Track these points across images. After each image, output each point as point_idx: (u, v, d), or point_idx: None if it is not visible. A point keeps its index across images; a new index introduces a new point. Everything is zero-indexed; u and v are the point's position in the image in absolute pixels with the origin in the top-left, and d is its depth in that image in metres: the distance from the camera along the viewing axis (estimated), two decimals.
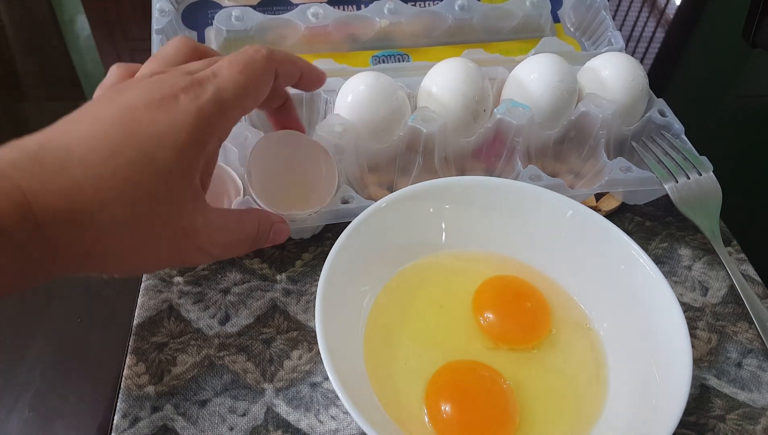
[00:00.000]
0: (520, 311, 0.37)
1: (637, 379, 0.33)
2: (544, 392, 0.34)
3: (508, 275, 0.39)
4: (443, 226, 0.40)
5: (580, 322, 0.37)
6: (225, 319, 0.39)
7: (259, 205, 0.40)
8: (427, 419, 0.32)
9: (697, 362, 0.38)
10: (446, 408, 0.31)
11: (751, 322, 0.40)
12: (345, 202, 0.41)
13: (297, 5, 0.53)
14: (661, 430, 0.28)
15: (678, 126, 0.48)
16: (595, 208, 0.47)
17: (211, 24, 0.52)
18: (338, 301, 0.33)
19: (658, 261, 0.44)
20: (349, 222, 0.36)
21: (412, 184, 0.45)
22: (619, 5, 0.75)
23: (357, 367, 0.33)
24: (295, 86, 0.36)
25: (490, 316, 0.36)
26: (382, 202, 0.37)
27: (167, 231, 0.27)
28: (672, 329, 0.32)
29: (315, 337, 0.38)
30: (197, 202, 0.28)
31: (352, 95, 0.44)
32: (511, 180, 0.39)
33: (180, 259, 0.29)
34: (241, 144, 0.42)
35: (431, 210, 0.39)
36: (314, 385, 0.36)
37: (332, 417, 0.35)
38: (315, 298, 0.34)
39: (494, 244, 0.40)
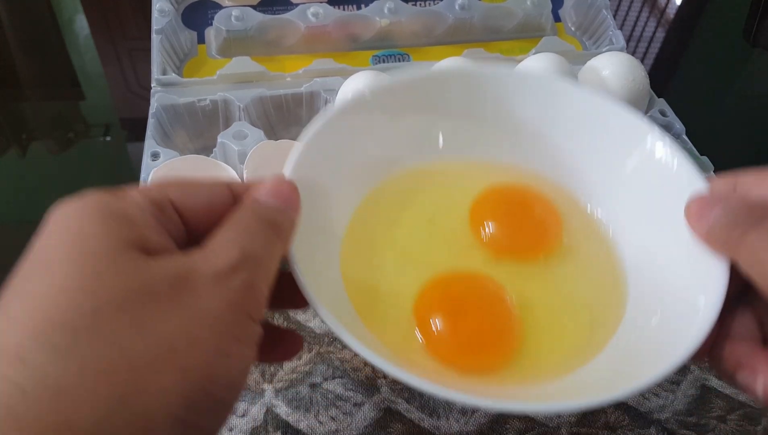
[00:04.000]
0: (526, 219, 0.32)
1: (661, 290, 0.28)
2: (553, 306, 0.29)
3: (511, 182, 0.33)
4: (438, 127, 0.33)
5: (596, 229, 0.32)
6: None
7: None
8: (418, 334, 0.28)
9: (697, 363, 0.38)
10: (437, 321, 0.28)
11: None
12: None
13: (297, 5, 0.53)
14: (687, 341, 0.23)
15: (679, 126, 0.48)
16: None
17: (211, 24, 0.52)
18: (309, 204, 0.26)
19: None
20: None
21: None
22: (619, 5, 0.75)
23: (334, 281, 0.28)
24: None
25: (491, 225, 0.31)
26: (367, 92, 0.31)
27: (155, 300, 0.19)
28: (709, 262, 0.26)
29: (315, 337, 0.38)
30: (167, 254, 0.20)
31: (352, 95, 0.43)
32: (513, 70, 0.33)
33: (218, 302, 0.20)
34: (241, 143, 0.42)
35: (423, 107, 0.33)
36: (314, 386, 0.36)
37: (332, 418, 0.35)
38: None
39: (497, 150, 0.34)
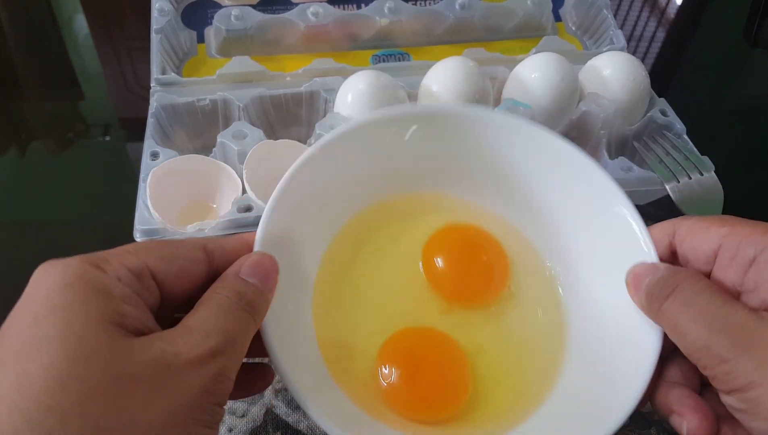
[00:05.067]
0: (474, 266, 0.32)
1: (600, 344, 0.29)
2: (499, 356, 0.30)
3: (460, 223, 0.34)
4: (392, 165, 0.33)
5: (546, 277, 0.33)
6: None
7: (258, 204, 0.40)
8: (382, 382, 0.29)
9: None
10: (395, 377, 0.29)
11: None
12: None
13: (297, 4, 0.53)
14: (616, 413, 0.25)
15: (679, 126, 0.47)
16: None
17: (211, 23, 0.52)
18: (283, 254, 0.27)
19: None
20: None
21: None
22: (620, 5, 0.75)
23: (306, 340, 0.29)
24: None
25: (442, 274, 0.32)
26: (315, 147, 0.31)
27: (134, 385, 0.19)
28: (641, 329, 0.27)
29: None
30: (144, 337, 0.21)
31: (352, 94, 0.43)
32: (467, 106, 0.34)
33: (188, 387, 0.20)
34: (241, 142, 0.42)
35: (379, 146, 0.33)
36: None
37: None
38: None
39: (447, 185, 0.34)
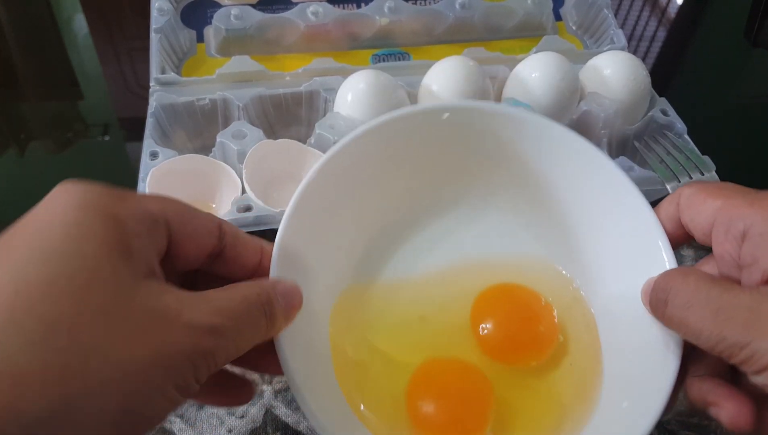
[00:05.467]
0: (525, 328, 0.32)
1: (632, 379, 0.29)
2: (533, 408, 0.31)
3: (513, 284, 0.33)
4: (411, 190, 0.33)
5: (588, 326, 0.32)
6: None
7: (258, 204, 0.40)
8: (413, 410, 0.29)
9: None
10: (428, 407, 0.29)
11: None
12: None
13: (296, 4, 0.53)
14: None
15: (680, 125, 0.47)
16: None
17: (210, 23, 0.52)
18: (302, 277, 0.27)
19: None
20: None
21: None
22: (620, 4, 0.75)
23: (323, 367, 0.29)
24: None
25: (488, 332, 0.31)
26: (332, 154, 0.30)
27: (123, 318, 0.19)
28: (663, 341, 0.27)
29: None
30: (152, 282, 0.21)
31: (352, 94, 0.43)
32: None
33: (176, 346, 0.20)
34: (240, 142, 0.42)
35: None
36: None
37: None
38: None
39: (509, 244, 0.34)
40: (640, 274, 0.28)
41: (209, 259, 0.25)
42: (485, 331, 0.31)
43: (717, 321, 0.23)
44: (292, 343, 0.26)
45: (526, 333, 0.32)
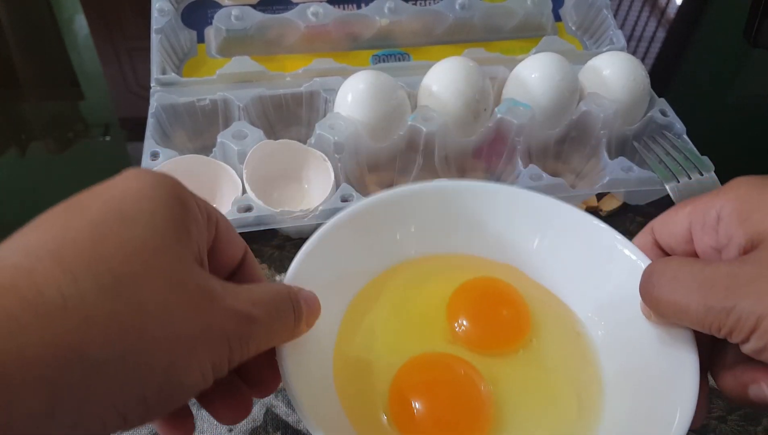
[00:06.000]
0: (494, 316, 0.33)
1: (636, 391, 0.29)
2: (526, 396, 0.31)
3: (485, 277, 0.35)
4: (416, 231, 0.36)
5: (570, 327, 0.34)
6: None
7: (258, 204, 0.40)
8: (385, 419, 0.29)
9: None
10: (411, 405, 0.28)
11: None
12: (345, 200, 0.41)
13: (297, 4, 0.53)
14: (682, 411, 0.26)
15: (679, 126, 0.47)
16: (597, 208, 0.47)
17: (211, 23, 0.52)
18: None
19: None
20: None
21: (411, 183, 0.45)
22: (620, 5, 0.75)
23: (325, 374, 0.30)
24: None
25: (464, 321, 0.33)
26: (344, 215, 0.33)
27: (181, 289, 0.20)
28: (677, 339, 0.28)
29: None
30: (201, 267, 0.22)
31: (352, 94, 0.43)
32: (483, 182, 0.37)
33: (219, 326, 0.21)
34: (241, 142, 0.42)
35: (402, 217, 0.35)
36: None
37: None
38: None
39: (474, 247, 0.36)
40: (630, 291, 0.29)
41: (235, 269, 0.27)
42: (460, 325, 0.33)
43: (701, 292, 0.24)
44: (293, 353, 0.27)
45: (498, 316, 0.33)
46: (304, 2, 0.53)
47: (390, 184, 0.46)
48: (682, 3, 0.77)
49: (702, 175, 0.44)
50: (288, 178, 0.44)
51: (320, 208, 0.40)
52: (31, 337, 0.17)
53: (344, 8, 0.54)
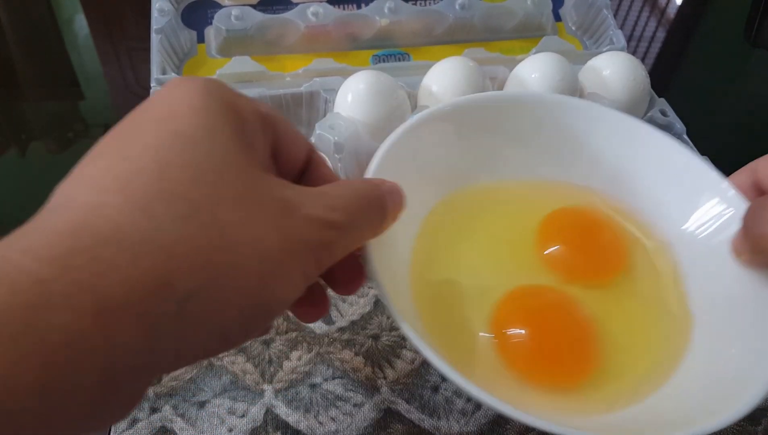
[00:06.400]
0: (591, 245, 0.33)
1: (727, 319, 0.29)
2: (621, 329, 0.30)
3: (576, 206, 0.34)
4: (511, 146, 0.35)
5: (663, 256, 0.33)
6: None
7: None
8: (492, 346, 0.28)
9: None
10: (518, 335, 0.28)
11: None
12: None
13: (297, 4, 0.53)
14: (757, 386, 0.25)
15: (679, 126, 0.47)
16: None
17: (211, 23, 0.52)
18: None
19: None
20: None
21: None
22: (620, 5, 0.75)
23: (403, 290, 0.29)
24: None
25: (556, 250, 0.32)
26: (443, 106, 0.32)
27: (257, 206, 0.20)
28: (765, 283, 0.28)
29: (314, 337, 0.38)
30: (271, 175, 0.22)
31: (352, 94, 0.43)
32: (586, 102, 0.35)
33: (301, 236, 0.20)
34: None
35: (498, 127, 0.34)
36: (314, 386, 0.36)
37: (332, 418, 0.34)
38: None
39: (569, 172, 0.35)
40: (724, 229, 0.30)
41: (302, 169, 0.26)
42: (551, 248, 0.32)
43: None
44: (379, 249, 0.26)
45: (592, 246, 0.33)
46: (304, 2, 0.53)
47: None
48: (682, 3, 0.77)
49: None
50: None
51: None
52: (118, 273, 0.16)
53: (344, 8, 0.54)
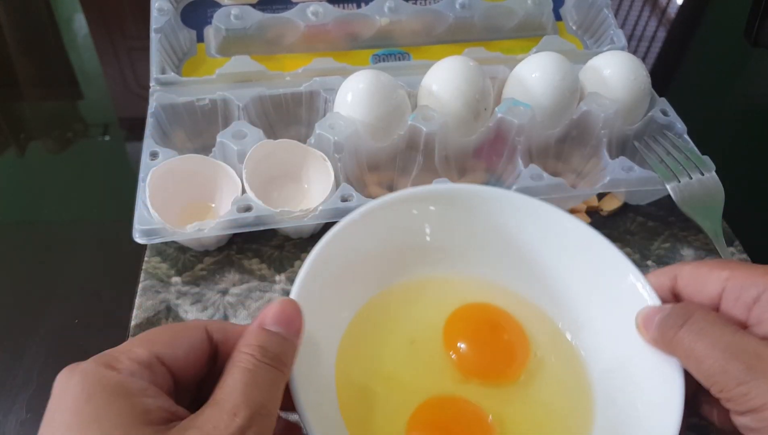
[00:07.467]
0: (493, 344, 0.33)
1: (626, 397, 0.30)
2: (526, 428, 0.31)
3: (479, 303, 0.35)
4: (425, 243, 0.35)
5: (566, 347, 0.33)
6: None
7: (258, 204, 0.40)
8: None
9: None
10: None
11: None
12: (345, 199, 0.40)
13: (296, 4, 0.53)
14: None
15: (680, 125, 0.47)
16: (597, 208, 0.47)
17: (210, 23, 0.52)
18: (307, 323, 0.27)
19: (660, 262, 0.44)
20: None
21: (411, 183, 0.45)
22: (620, 4, 0.75)
23: (330, 405, 0.30)
24: None
25: (462, 350, 0.32)
26: (357, 215, 0.32)
27: None
28: (662, 369, 0.28)
29: None
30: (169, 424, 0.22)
31: (352, 94, 0.43)
32: (490, 187, 0.35)
33: None
34: (240, 142, 0.42)
35: (412, 225, 0.34)
36: None
37: None
38: None
39: (471, 265, 0.36)
40: (629, 317, 0.30)
41: (212, 361, 0.25)
42: (458, 352, 0.32)
43: (724, 354, 0.25)
44: (300, 376, 0.26)
45: (495, 346, 0.33)
46: (303, 2, 0.53)
47: (390, 184, 0.46)
48: (683, 3, 0.77)
49: (703, 174, 0.44)
50: (288, 178, 0.44)
51: (320, 208, 0.40)
52: None
53: (344, 8, 0.53)
